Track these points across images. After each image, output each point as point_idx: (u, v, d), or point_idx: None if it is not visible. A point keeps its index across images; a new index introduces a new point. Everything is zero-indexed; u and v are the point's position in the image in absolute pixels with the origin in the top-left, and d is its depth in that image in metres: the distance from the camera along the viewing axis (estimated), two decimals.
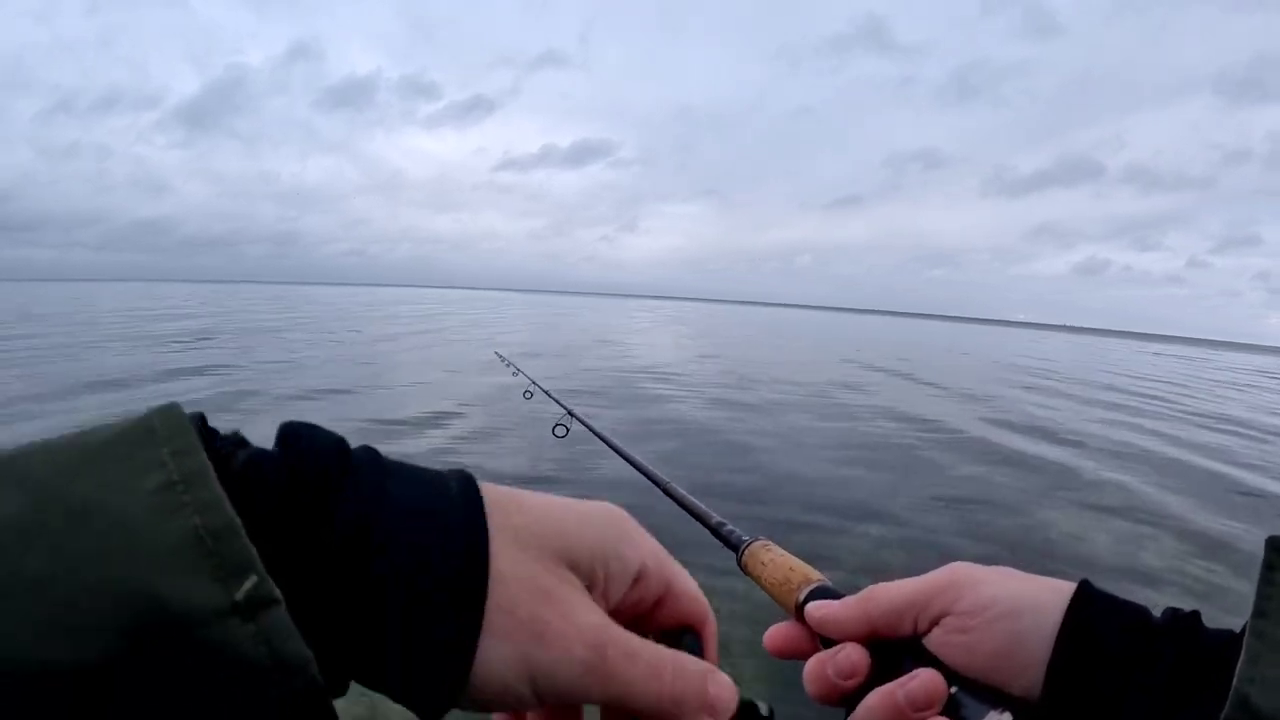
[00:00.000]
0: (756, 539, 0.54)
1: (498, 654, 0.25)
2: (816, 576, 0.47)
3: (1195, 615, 0.35)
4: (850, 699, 0.39)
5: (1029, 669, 0.35)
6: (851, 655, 0.38)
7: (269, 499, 0.23)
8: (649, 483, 0.78)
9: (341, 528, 0.24)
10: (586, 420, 1.28)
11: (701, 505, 0.64)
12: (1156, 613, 0.36)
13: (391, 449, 0.26)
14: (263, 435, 0.27)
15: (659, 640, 0.29)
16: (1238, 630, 0.33)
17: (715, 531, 0.60)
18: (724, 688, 0.28)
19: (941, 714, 0.35)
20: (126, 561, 0.19)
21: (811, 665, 0.40)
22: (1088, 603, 0.35)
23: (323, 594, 0.23)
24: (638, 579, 0.31)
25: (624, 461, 0.89)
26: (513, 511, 0.27)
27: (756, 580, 0.51)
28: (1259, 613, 0.31)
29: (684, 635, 0.33)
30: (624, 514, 0.32)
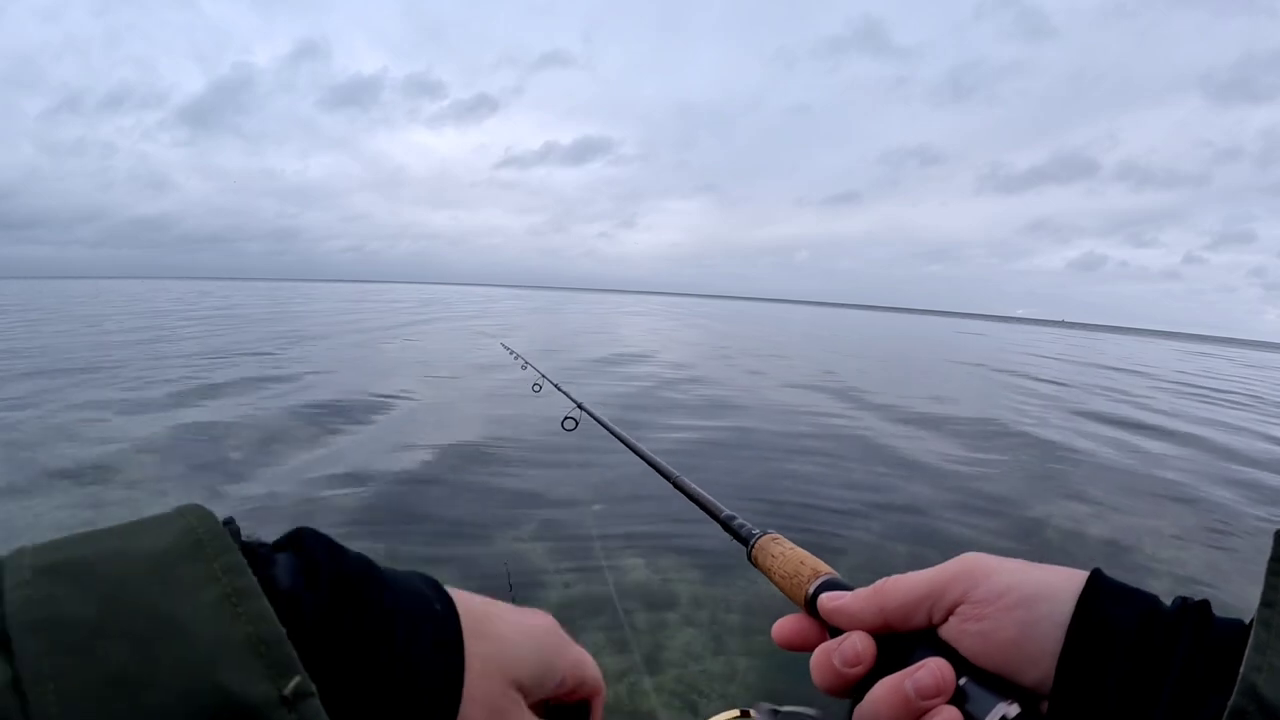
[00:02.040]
0: (766, 532, 0.54)
1: None
2: (826, 570, 0.47)
3: (1205, 604, 0.35)
4: (857, 689, 0.39)
5: (1042, 659, 0.35)
6: (857, 643, 0.39)
7: (301, 613, 0.29)
8: (659, 476, 0.78)
9: (358, 641, 0.30)
10: (596, 413, 1.29)
11: (711, 499, 0.64)
12: (1167, 601, 0.36)
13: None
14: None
15: (559, 713, 0.40)
16: (1247, 621, 0.33)
17: (726, 525, 0.60)
18: None
19: (949, 704, 0.35)
20: (198, 660, 0.23)
21: (818, 654, 0.40)
22: (1099, 592, 0.35)
23: (339, 693, 0.28)
24: (560, 683, 0.39)
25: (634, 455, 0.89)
26: (479, 637, 0.35)
27: (767, 573, 0.51)
28: (1266, 603, 0.31)
29: (580, 706, 0.42)
30: (556, 628, 0.40)
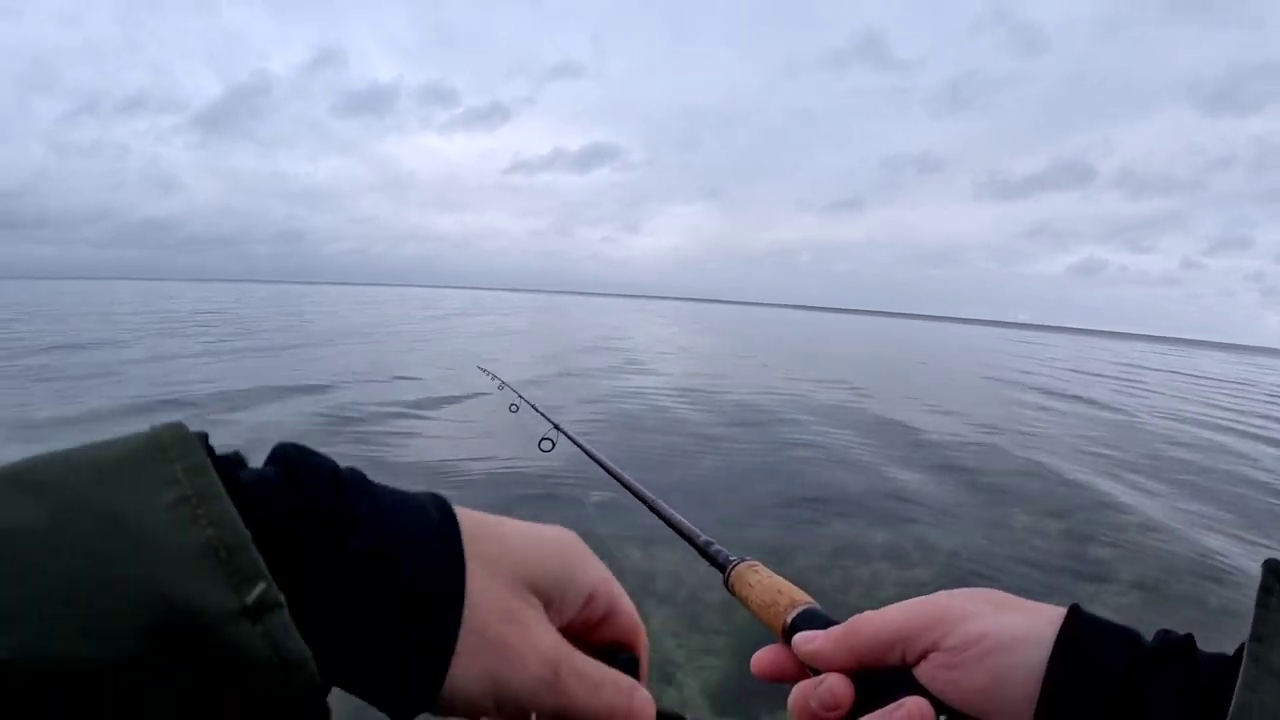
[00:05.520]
0: (744, 559, 0.54)
1: (467, 670, 0.28)
2: (804, 599, 0.47)
3: (1189, 639, 0.34)
4: None
5: (1018, 703, 0.34)
6: (835, 687, 0.38)
7: (272, 515, 0.26)
8: (636, 500, 0.77)
9: (338, 544, 0.26)
10: (574, 436, 1.28)
11: (689, 524, 0.64)
12: (1147, 634, 0.35)
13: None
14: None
15: (597, 655, 0.34)
16: (1230, 653, 0.32)
17: (703, 551, 0.59)
18: (645, 703, 0.33)
19: None
20: (150, 567, 0.21)
21: (795, 697, 0.40)
22: (1079, 631, 0.35)
23: (317, 602, 0.25)
24: (588, 600, 0.34)
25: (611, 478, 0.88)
26: (483, 540, 0.31)
27: (744, 602, 0.50)
28: (1255, 637, 0.31)
29: (620, 653, 0.36)
30: (577, 539, 0.35)
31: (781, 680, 0.44)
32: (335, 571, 0.26)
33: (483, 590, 0.29)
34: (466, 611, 0.28)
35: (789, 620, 0.45)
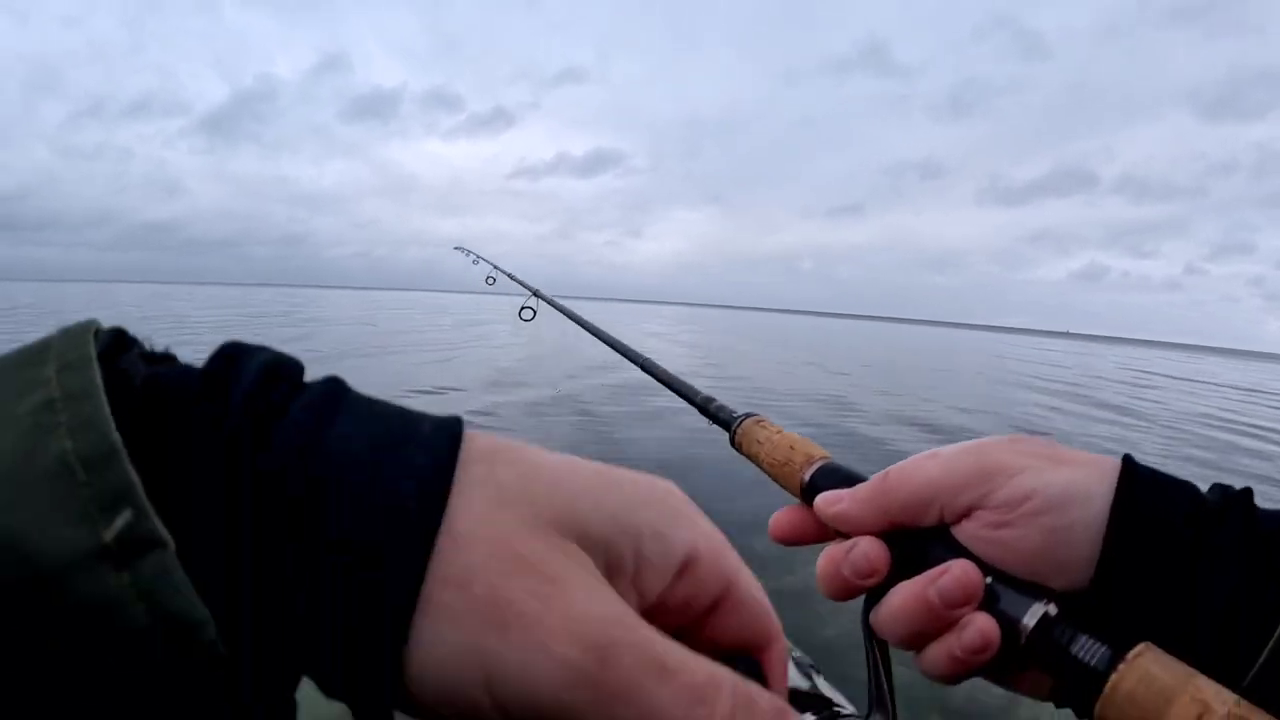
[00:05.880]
0: (750, 415, 0.50)
1: (441, 640, 0.17)
2: (820, 454, 0.42)
3: (1248, 491, 0.32)
4: (870, 594, 0.35)
5: (1075, 564, 0.32)
6: (869, 552, 0.34)
7: (175, 424, 0.18)
8: (633, 369, 0.71)
9: (257, 462, 0.18)
10: (552, 299, 1.22)
11: (687, 382, 0.59)
12: (1203, 488, 0.33)
13: None
14: None
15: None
16: None
17: (703, 409, 0.55)
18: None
19: (979, 609, 0.32)
20: None
21: (824, 563, 0.36)
22: (1135, 484, 0.32)
23: (215, 541, 0.17)
24: (685, 568, 0.22)
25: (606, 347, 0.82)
26: (502, 463, 0.20)
27: (754, 460, 0.46)
28: None
29: (738, 661, 0.23)
30: (674, 488, 0.23)
31: (802, 543, 0.40)
32: (247, 498, 0.18)
33: (478, 523, 0.19)
34: (441, 551, 0.18)
35: (807, 478, 0.41)
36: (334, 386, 0.21)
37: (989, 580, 0.32)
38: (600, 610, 0.18)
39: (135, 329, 0.22)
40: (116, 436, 0.16)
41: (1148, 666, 0.27)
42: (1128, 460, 0.33)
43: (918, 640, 0.33)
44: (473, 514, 0.19)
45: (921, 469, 0.35)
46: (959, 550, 0.34)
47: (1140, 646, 0.28)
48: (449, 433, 0.20)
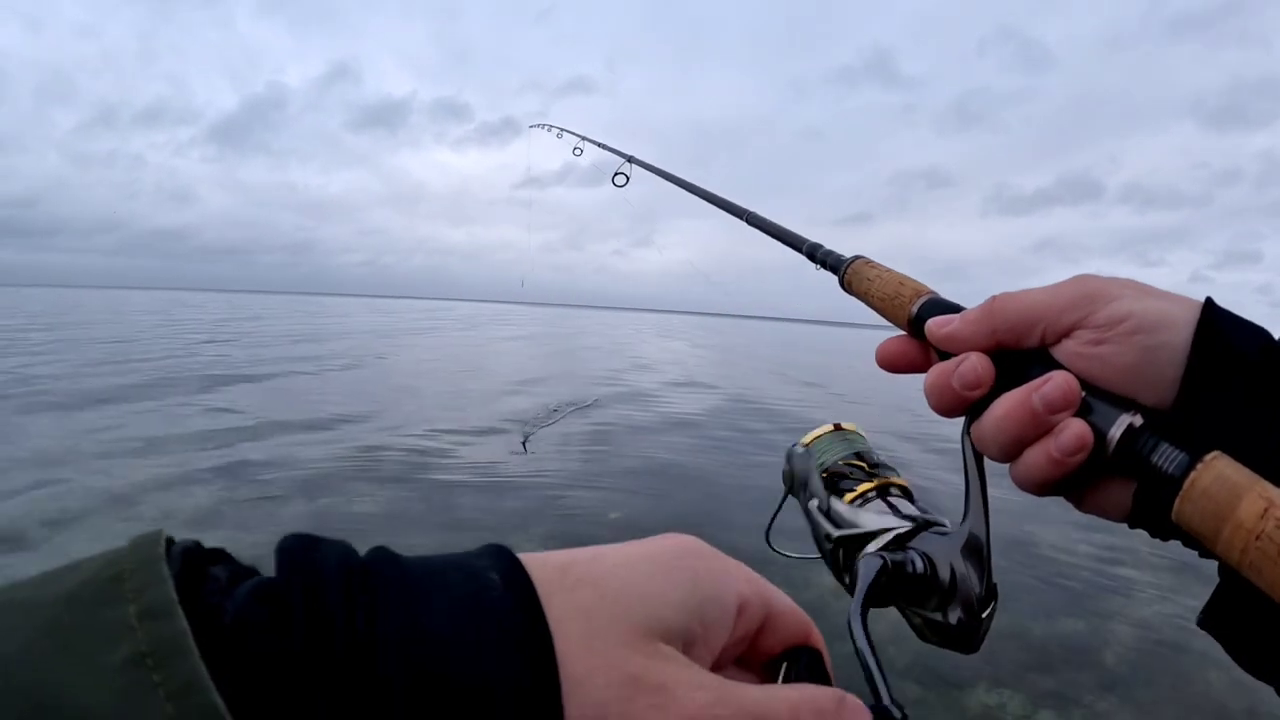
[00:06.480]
0: (858, 256, 0.51)
1: None
2: (927, 290, 0.45)
3: None
4: (972, 408, 0.38)
5: (1162, 383, 0.35)
6: (977, 366, 0.37)
7: (274, 662, 0.18)
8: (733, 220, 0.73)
9: (367, 672, 0.18)
10: (647, 162, 1.21)
11: (792, 230, 0.60)
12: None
13: None
14: None
15: (765, 670, 0.28)
16: None
17: (811, 255, 0.57)
18: (858, 711, 0.25)
19: (1075, 417, 0.34)
20: None
21: (933, 377, 0.39)
22: (1216, 320, 0.35)
23: None
24: (738, 614, 0.26)
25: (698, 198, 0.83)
26: (573, 588, 0.22)
27: (863, 297, 0.49)
28: None
29: (792, 657, 0.29)
30: (698, 542, 0.27)
31: (908, 370, 0.43)
32: (371, 712, 0.18)
33: (587, 659, 0.21)
34: (570, 699, 0.20)
35: (915, 310, 0.43)
36: (395, 565, 0.22)
37: (1083, 394, 0.35)
38: (702, 697, 0.22)
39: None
40: (220, 702, 0.16)
41: (1222, 468, 0.30)
42: (1209, 300, 0.35)
43: (1015, 448, 0.36)
44: (577, 652, 0.21)
45: (1028, 294, 0.38)
46: (1057, 368, 0.36)
47: (1215, 453, 0.31)
48: (517, 580, 0.22)
